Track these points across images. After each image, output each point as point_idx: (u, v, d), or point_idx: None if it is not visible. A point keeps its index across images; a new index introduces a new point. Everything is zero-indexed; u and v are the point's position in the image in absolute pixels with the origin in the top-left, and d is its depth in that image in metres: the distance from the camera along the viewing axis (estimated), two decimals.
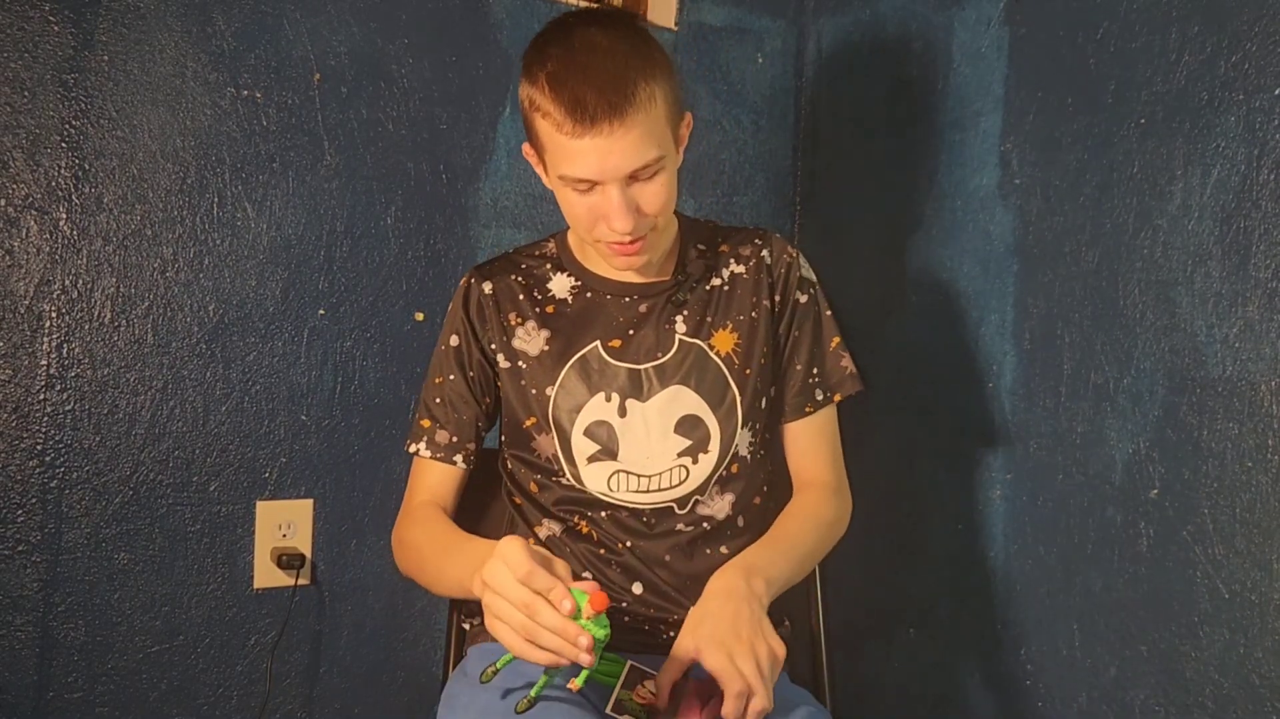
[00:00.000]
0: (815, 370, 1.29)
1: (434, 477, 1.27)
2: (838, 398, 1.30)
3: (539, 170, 1.21)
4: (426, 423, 1.27)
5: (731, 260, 1.29)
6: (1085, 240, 1.34)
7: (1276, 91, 1.15)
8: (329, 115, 1.49)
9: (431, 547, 1.20)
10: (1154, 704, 1.26)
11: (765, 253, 1.29)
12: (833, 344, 1.31)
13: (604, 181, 1.10)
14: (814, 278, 1.31)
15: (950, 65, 1.54)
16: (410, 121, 1.54)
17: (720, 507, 1.24)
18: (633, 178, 1.11)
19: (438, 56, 1.55)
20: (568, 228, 1.31)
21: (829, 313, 1.31)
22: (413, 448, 1.28)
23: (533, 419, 1.24)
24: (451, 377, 1.27)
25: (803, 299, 1.29)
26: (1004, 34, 1.46)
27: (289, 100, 1.46)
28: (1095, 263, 1.33)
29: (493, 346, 1.26)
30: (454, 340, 1.27)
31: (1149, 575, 1.26)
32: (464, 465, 1.27)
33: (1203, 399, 1.21)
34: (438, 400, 1.27)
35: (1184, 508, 1.23)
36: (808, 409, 1.29)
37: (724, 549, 1.26)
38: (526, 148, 1.21)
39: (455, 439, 1.26)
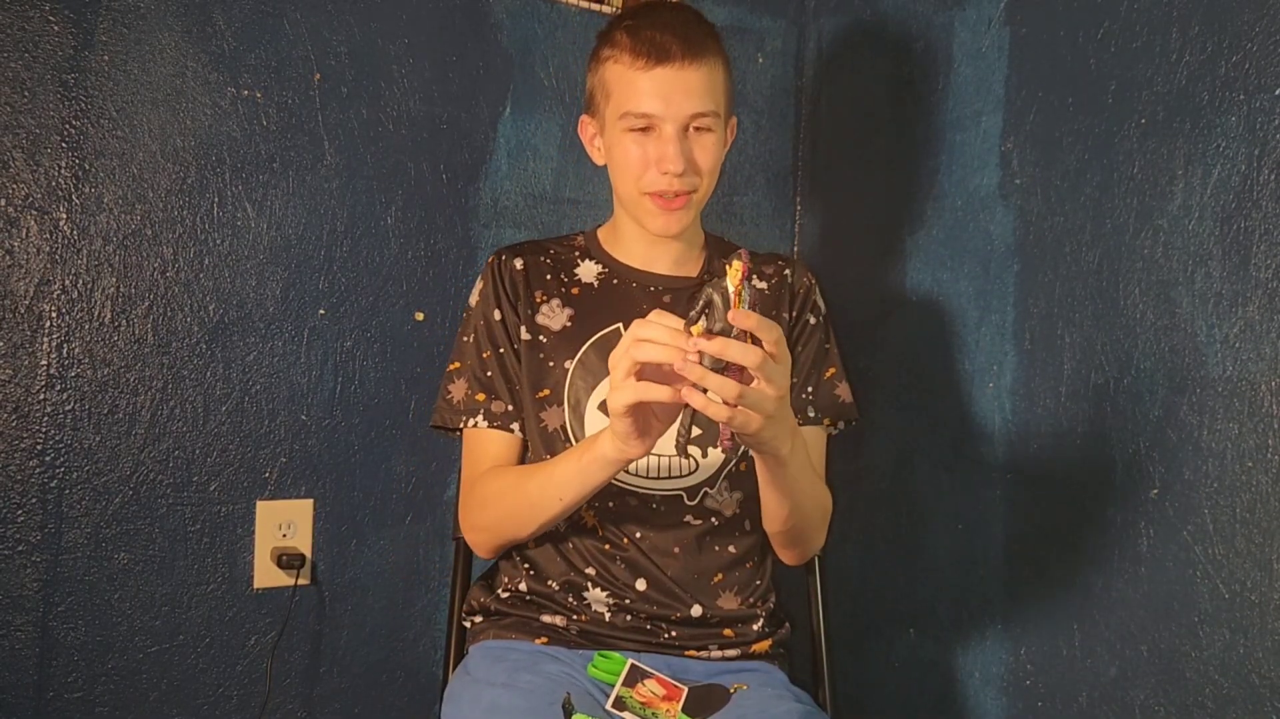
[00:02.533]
0: (810, 389, 1.32)
1: (497, 446, 1.27)
2: (826, 422, 1.32)
3: (592, 146, 1.29)
4: (481, 396, 1.27)
5: (755, 275, 1.34)
6: (1085, 240, 1.34)
7: (1277, 91, 1.15)
8: (329, 115, 1.49)
9: (528, 472, 1.20)
10: (1154, 704, 1.26)
11: (788, 272, 1.35)
12: (828, 373, 1.34)
13: (664, 120, 1.18)
14: (825, 309, 1.36)
15: (951, 65, 1.54)
16: (410, 121, 1.54)
17: (728, 503, 1.25)
18: (689, 127, 1.20)
19: (438, 56, 1.55)
20: (595, 227, 1.35)
21: (830, 344, 1.35)
22: (470, 423, 1.27)
23: (545, 391, 1.26)
24: (501, 349, 1.28)
25: (812, 321, 1.35)
26: (1004, 34, 1.46)
27: (289, 100, 1.46)
28: (1095, 263, 1.33)
29: (517, 319, 1.29)
30: (496, 315, 1.29)
31: (1149, 575, 1.26)
32: (521, 435, 1.28)
33: (1203, 399, 1.21)
34: (489, 374, 1.28)
35: (1184, 508, 1.23)
36: (798, 420, 1.30)
37: (732, 549, 1.26)
38: (584, 120, 1.29)
39: (511, 408, 1.27)
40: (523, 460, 1.30)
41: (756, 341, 0.94)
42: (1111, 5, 1.32)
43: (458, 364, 1.30)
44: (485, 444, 1.28)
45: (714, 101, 1.20)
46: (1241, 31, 1.18)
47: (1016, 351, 1.43)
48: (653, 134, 1.20)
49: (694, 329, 0.95)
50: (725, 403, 0.94)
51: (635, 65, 1.18)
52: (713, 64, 1.20)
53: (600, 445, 1.08)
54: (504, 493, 1.22)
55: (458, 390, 1.29)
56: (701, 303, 0.95)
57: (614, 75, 1.21)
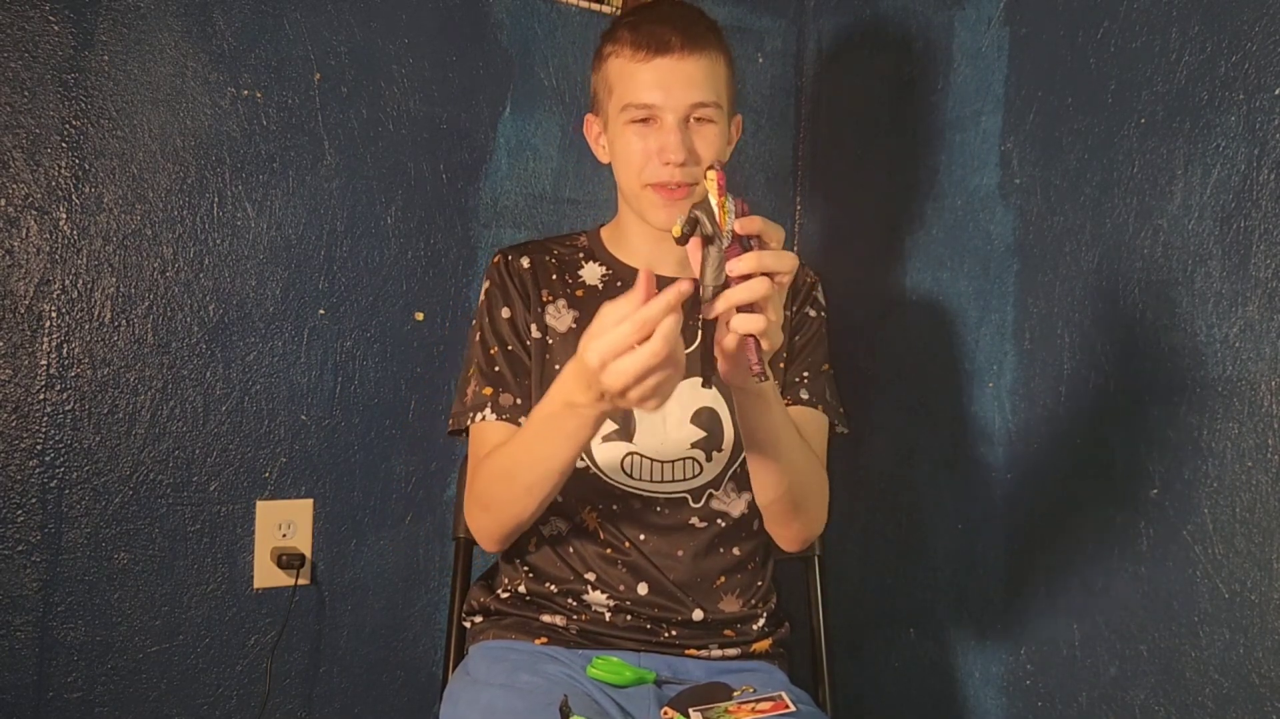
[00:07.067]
0: (805, 374, 1.31)
1: (502, 436, 1.24)
2: (821, 408, 1.31)
3: (597, 145, 1.30)
4: (489, 390, 1.26)
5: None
6: (1085, 240, 1.34)
7: (1277, 91, 1.15)
8: (329, 115, 1.49)
9: (517, 439, 1.16)
10: (1154, 704, 1.26)
11: None
12: (824, 367, 1.34)
13: (664, 110, 1.19)
14: (824, 304, 1.37)
15: (950, 65, 1.54)
16: (410, 121, 1.54)
17: (736, 505, 1.25)
18: (690, 118, 1.20)
19: (438, 56, 1.55)
20: (598, 226, 1.34)
21: (826, 343, 1.36)
22: (479, 417, 1.25)
23: None
24: (510, 347, 1.28)
25: (812, 314, 1.35)
26: (1004, 34, 1.46)
27: (289, 100, 1.46)
28: (1095, 263, 1.33)
29: (528, 315, 1.29)
30: (506, 312, 1.29)
31: (1149, 575, 1.26)
32: None
33: (1203, 399, 1.21)
34: (497, 369, 1.27)
35: (1184, 508, 1.23)
36: (787, 401, 1.29)
37: (736, 551, 1.26)
38: (588, 118, 1.31)
39: (520, 402, 1.26)
40: None
41: (762, 246, 0.95)
42: (1111, 5, 1.32)
43: (472, 368, 1.29)
44: (491, 436, 1.24)
45: (714, 92, 1.21)
46: (1241, 31, 1.18)
47: (1016, 352, 1.43)
48: (654, 125, 1.20)
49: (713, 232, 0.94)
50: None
51: (636, 58, 1.20)
52: (713, 56, 1.22)
53: (568, 390, 1.03)
54: (502, 464, 1.19)
55: (471, 391, 1.28)
56: (687, 220, 0.95)
57: (615, 69, 1.22)
